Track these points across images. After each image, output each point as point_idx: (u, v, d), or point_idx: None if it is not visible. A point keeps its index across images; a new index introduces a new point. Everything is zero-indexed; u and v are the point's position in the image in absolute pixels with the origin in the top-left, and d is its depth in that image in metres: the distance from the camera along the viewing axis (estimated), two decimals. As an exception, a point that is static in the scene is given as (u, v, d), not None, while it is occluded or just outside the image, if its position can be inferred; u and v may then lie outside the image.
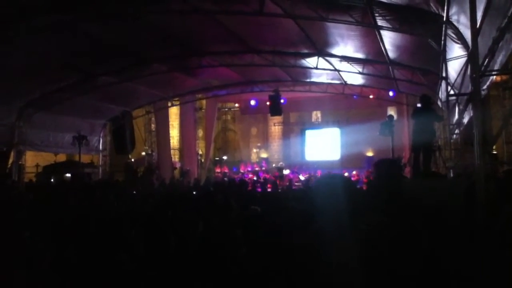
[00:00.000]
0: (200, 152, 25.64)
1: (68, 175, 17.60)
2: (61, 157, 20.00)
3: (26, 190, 12.37)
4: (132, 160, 22.30)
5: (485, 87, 7.06)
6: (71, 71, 13.41)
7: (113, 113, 19.24)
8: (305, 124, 29.44)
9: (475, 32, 4.32)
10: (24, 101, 14.81)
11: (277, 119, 27.67)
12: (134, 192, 12.20)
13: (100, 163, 20.03)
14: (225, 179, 21.31)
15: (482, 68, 6.03)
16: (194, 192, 11.57)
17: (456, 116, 10.95)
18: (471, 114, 7.89)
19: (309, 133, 28.17)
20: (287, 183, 19.91)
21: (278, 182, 19.49)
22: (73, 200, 8.41)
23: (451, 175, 9.91)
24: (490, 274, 3.14)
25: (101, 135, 19.87)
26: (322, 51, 13.36)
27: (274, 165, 26.51)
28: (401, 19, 9.02)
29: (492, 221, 4.71)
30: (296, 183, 20.51)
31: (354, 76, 15.89)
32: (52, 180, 16.99)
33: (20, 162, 15.84)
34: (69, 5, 9.20)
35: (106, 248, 4.30)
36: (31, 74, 12.43)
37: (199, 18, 10.95)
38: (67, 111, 16.30)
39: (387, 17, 9.07)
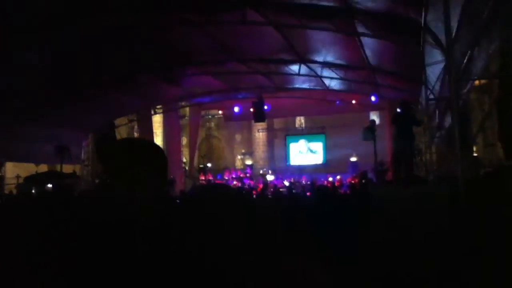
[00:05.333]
0: (184, 160, 25.50)
1: (50, 186, 17.32)
2: (43, 168, 19.69)
3: (6, 202, 12.12)
4: (116, 169, 22.02)
5: (465, 90, 7.20)
6: (52, 82, 13.24)
7: (95, 123, 19.03)
8: (289, 130, 29.56)
9: (450, 39, 4.41)
10: (4, 111, 14.55)
11: (261, 125, 27.73)
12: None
13: (83, 173, 19.78)
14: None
15: (460, 73, 6.15)
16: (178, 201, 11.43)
17: (437, 120, 11.12)
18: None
19: (291, 141, 28.31)
20: (271, 189, 19.92)
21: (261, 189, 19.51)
22: (58, 212, 8.27)
23: (432, 178, 10.05)
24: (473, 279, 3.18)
25: (83, 145, 19.63)
26: (304, 58, 13.45)
27: (261, 171, 26.47)
28: (380, 26, 9.15)
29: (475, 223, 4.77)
30: (281, 189, 20.53)
31: (336, 82, 16.03)
32: (33, 191, 16.68)
33: (0, 174, 15.56)
34: (52, 21, 9.11)
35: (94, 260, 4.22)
36: (12, 85, 12.25)
37: (182, 28, 10.94)
38: (49, 121, 16.05)
39: (367, 24, 9.19)
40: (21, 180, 18.28)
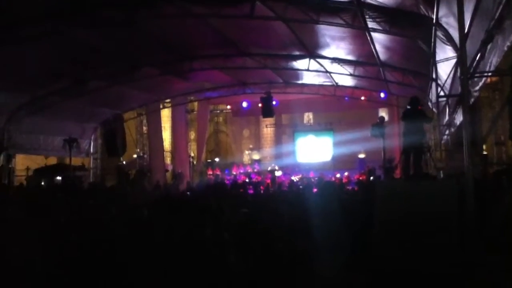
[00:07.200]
0: (192, 154, 25.55)
1: (59, 178, 17.44)
2: (52, 160, 19.83)
3: (17, 194, 12.23)
4: (124, 162, 22.15)
5: (477, 88, 7.10)
6: (61, 75, 13.31)
7: (104, 116, 19.13)
8: (297, 126, 29.47)
9: (463, 34, 4.35)
10: (14, 105, 14.69)
11: (269, 121, 27.67)
12: (127, 196, 12.05)
13: (91, 166, 19.90)
14: (218, 181, 21.29)
15: (471, 70, 6.07)
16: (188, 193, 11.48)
17: (447, 117, 11.02)
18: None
19: (300, 136, 28.29)
20: (278, 185, 19.89)
21: (270, 184, 19.54)
22: (65, 206, 8.32)
23: (441, 176, 9.98)
24: (478, 278, 3.16)
25: (92, 138, 19.74)
26: (313, 53, 13.38)
27: (269, 168, 26.38)
28: (391, 21, 9.04)
29: (483, 223, 4.74)
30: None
31: (345, 78, 15.94)
32: (42, 183, 16.82)
33: (10, 165, 15.70)
34: (60, 13, 9.13)
35: (102, 254, 4.27)
36: (22, 78, 12.33)
37: (190, 22, 10.91)
38: (58, 115, 16.18)
39: (377, 19, 9.09)
40: (30, 172, 18.44)
